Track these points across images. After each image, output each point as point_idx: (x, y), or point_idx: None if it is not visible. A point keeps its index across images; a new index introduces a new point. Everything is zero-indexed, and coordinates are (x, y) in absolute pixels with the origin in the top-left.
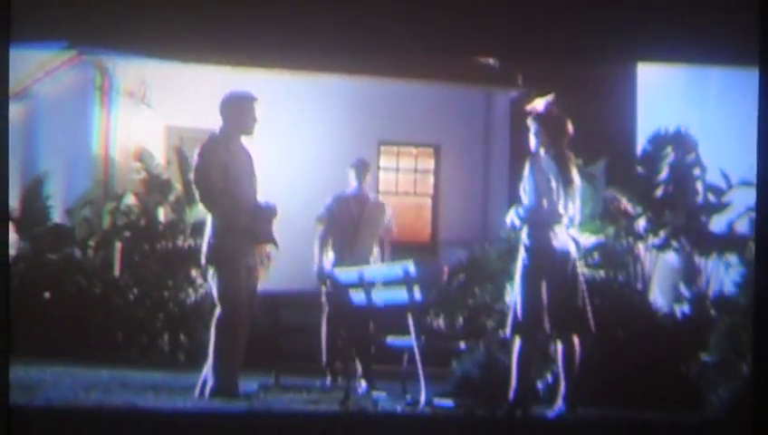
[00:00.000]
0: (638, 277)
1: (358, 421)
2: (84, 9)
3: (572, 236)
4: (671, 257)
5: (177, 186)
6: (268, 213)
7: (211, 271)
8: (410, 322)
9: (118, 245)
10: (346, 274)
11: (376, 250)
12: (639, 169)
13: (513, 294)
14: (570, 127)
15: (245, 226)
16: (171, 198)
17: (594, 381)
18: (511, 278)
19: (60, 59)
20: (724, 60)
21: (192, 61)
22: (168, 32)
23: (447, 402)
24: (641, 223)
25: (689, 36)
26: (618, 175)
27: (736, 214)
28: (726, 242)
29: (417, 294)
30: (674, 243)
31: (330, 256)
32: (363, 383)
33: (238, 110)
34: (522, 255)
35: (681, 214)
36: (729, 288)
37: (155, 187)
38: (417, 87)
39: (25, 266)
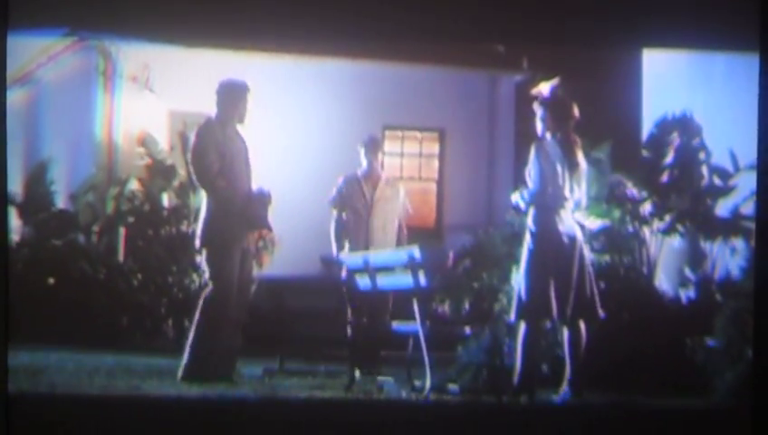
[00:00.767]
0: (644, 261)
1: (362, 407)
2: None
3: (578, 220)
4: (676, 241)
5: (181, 171)
6: (263, 199)
7: (204, 253)
8: (415, 307)
9: (122, 230)
10: (351, 259)
11: (392, 232)
12: (645, 153)
13: (519, 279)
14: (575, 111)
15: (240, 211)
16: (175, 183)
17: (599, 366)
18: (516, 263)
19: (63, 44)
20: (726, 46)
21: (195, 45)
22: (170, 16)
23: (453, 388)
24: (647, 207)
25: (691, 23)
26: (623, 159)
27: (742, 198)
28: (732, 226)
29: (422, 280)
30: (679, 227)
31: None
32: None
33: (232, 97)
34: (527, 239)
35: (686, 198)
36: (734, 272)
37: (159, 172)
38: (421, 71)
39: (29, 252)
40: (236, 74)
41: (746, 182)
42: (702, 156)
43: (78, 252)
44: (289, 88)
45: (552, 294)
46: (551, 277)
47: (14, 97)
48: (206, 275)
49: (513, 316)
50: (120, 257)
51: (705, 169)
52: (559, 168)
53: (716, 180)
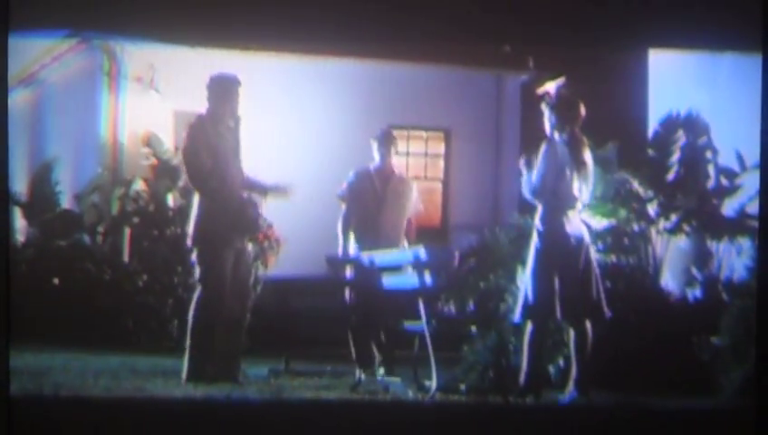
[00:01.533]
0: (650, 261)
1: (369, 407)
2: None
3: (584, 219)
4: (683, 241)
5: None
6: (254, 204)
7: (195, 253)
8: (421, 307)
9: (127, 231)
10: (356, 258)
11: (402, 229)
12: (651, 152)
13: (525, 279)
14: (582, 110)
15: (232, 214)
16: (180, 183)
17: (606, 366)
18: (522, 262)
19: (67, 44)
20: (729, 46)
21: (200, 45)
22: (173, 17)
23: (464, 388)
24: (653, 206)
25: (695, 24)
26: (629, 158)
27: (748, 197)
28: (738, 225)
29: (428, 280)
30: (685, 226)
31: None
32: (381, 370)
33: (223, 92)
34: (534, 239)
35: (693, 197)
36: (741, 272)
37: (164, 172)
38: (427, 71)
39: (34, 252)
40: (241, 74)
41: (752, 182)
42: (708, 155)
43: (83, 252)
44: (294, 88)
45: (559, 294)
46: (557, 277)
47: (19, 98)
48: (197, 275)
49: (517, 316)
50: (126, 258)
51: (711, 169)
52: (567, 168)
53: (723, 180)
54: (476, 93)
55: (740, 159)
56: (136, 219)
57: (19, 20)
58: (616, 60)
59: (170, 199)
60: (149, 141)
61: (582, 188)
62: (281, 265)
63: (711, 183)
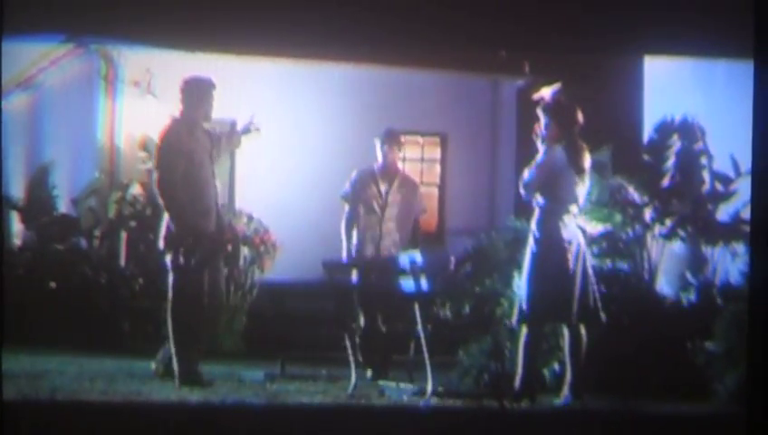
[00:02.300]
0: (645, 266)
1: (364, 411)
2: (79, 0)
3: (580, 224)
4: (678, 246)
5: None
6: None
7: (169, 256)
8: (417, 311)
9: (123, 235)
10: (353, 261)
11: (407, 231)
12: (646, 157)
13: (521, 283)
14: (580, 115)
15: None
16: None
17: (600, 370)
18: (518, 267)
19: (64, 48)
20: (723, 53)
21: (197, 50)
22: (170, 21)
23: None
24: (648, 212)
25: (689, 30)
26: (624, 163)
27: (742, 203)
28: (733, 231)
29: (424, 284)
30: (680, 232)
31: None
32: (369, 373)
33: (198, 94)
34: (530, 244)
35: (688, 203)
36: (735, 277)
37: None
38: (423, 75)
39: (31, 256)
40: (238, 78)
41: (747, 187)
42: (703, 160)
43: (80, 256)
44: (290, 93)
45: (555, 299)
46: (553, 282)
47: (17, 101)
48: (170, 280)
49: (515, 321)
50: (122, 262)
51: (706, 174)
52: (564, 174)
53: (718, 185)
54: (472, 98)
55: (735, 164)
56: (133, 223)
57: (13, 24)
58: (611, 65)
59: None
60: (146, 145)
61: (579, 193)
62: (277, 269)
63: (706, 188)
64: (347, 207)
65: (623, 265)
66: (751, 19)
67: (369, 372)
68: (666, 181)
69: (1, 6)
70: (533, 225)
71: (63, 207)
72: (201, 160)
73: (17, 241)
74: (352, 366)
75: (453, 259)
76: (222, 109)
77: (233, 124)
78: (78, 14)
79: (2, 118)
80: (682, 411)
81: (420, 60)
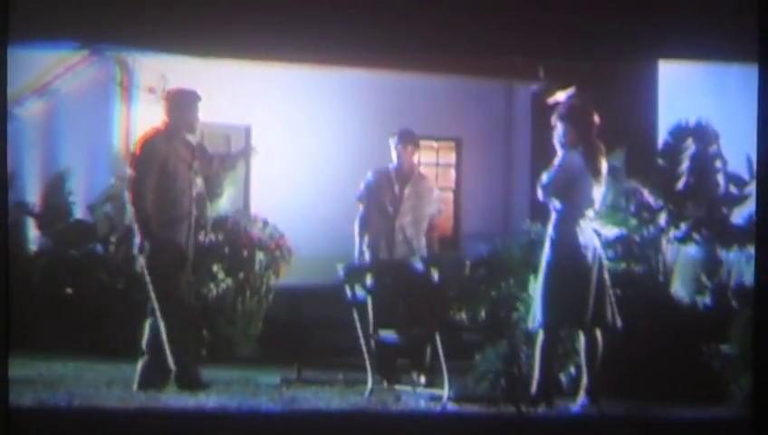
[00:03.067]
0: (660, 269)
1: (380, 416)
2: (90, 7)
3: (595, 228)
4: (693, 249)
5: (198, 181)
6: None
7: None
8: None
9: None
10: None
11: (421, 233)
12: (660, 160)
13: (537, 287)
14: (596, 118)
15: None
16: (192, 193)
17: (616, 374)
18: (534, 271)
19: (79, 55)
20: (728, 57)
21: (212, 55)
22: (184, 27)
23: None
24: (663, 215)
25: (701, 35)
26: (639, 167)
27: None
28: (747, 234)
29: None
30: (695, 235)
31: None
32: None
33: (182, 105)
34: (547, 248)
35: (702, 206)
36: (750, 280)
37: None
38: (438, 80)
39: (47, 262)
40: (253, 84)
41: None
42: (718, 164)
43: (96, 262)
44: (305, 98)
45: (572, 304)
46: (570, 287)
47: (33, 108)
48: (150, 290)
49: (531, 325)
50: (138, 267)
51: (720, 177)
52: (582, 178)
53: (732, 188)
54: (487, 103)
55: (750, 166)
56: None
57: (27, 32)
58: (625, 69)
59: None
60: None
61: (596, 198)
62: (293, 274)
63: (720, 191)
64: (361, 208)
65: (638, 268)
66: (755, 23)
67: (384, 379)
68: (680, 185)
69: (6, 14)
70: (550, 229)
71: (80, 213)
72: (176, 170)
73: (33, 247)
74: (369, 371)
75: (468, 263)
76: (236, 114)
77: (247, 130)
78: (92, 20)
79: (6, 124)
80: (697, 415)
81: (435, 65)
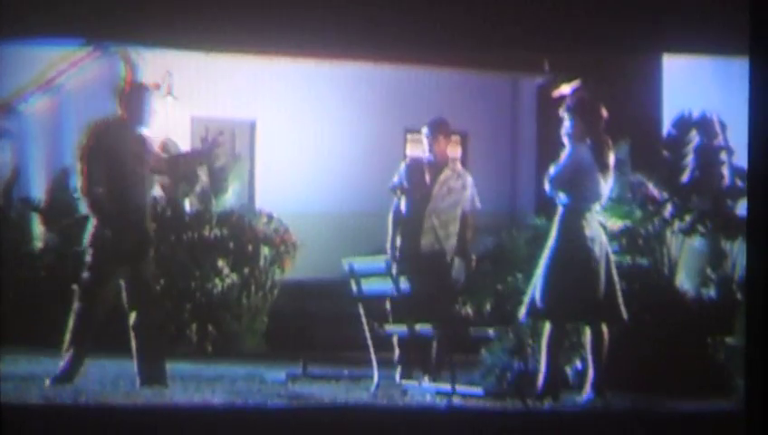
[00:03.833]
0: (665, 262)
1: (387, 411)
2: (93, 3)
3: (600, 221)
4: (697, 242)
5: (203, 176)
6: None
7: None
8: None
9: None
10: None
11: (453, 226)
12: (665, 153)
13: (538, 279)
14: (603, 111)
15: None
16: (197, 188)
17: (622, 367)
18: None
19: (84, 51)
20: (719, 50)
21: (217, 50)
22: (188, 22)
23: (477, 390)
24: (668, 208)
25: (704, 28)
26: (644, 159)
27: None
28: None
29: (404, 286)
30: (700, 227)
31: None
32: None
33: (134, 99)
34: (552, 241)
35: (707, 198)
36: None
37: (180, 178)
38: (443, 74)
39: (53, 258)
40: (257, 78)
41: None
42: (723, 156)
43: None
44: (310, 92)
45: (578, 297)
46: (575, 278)
47: (38, 104)
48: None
49: (522, 314)
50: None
51: (725, 169)
52: (590, 172)
53: (737, 180)
54: (492, 96)
55: None
56: (153, 225)
57: (7, 29)
58: (630, 62)
59: (187, 204)
60: (166, 147)
61: (603, 192)
62: (298, 268)
63: (725, 183)
64: (395, 200)
65: (643, 261)
66: (745, 16)
67: (396, 372)
68: (685, 177)
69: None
70: (556, 222)
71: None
72: (124, 163)
73: (39, 243)
74: (375, 366)
75: (474, 257)
76: (241, 108)
77: (252, 125)
78: (96, 16)
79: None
80: (703, 408)
81: (440, 59)
